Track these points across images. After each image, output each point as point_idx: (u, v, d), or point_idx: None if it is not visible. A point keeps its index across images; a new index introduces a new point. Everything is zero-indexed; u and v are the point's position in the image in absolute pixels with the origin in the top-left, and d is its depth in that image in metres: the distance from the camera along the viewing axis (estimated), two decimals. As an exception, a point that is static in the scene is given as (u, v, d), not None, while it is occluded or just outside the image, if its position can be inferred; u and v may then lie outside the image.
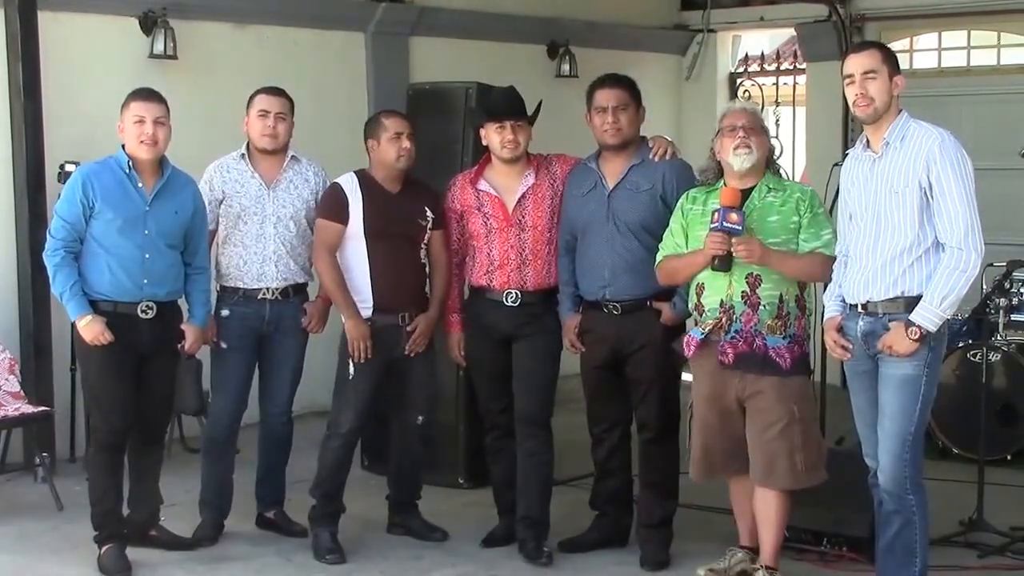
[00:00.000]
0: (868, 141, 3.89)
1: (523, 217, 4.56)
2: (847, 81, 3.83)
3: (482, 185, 4.61)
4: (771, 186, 4.13)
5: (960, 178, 3.71)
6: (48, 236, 4.41)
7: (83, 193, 4.33)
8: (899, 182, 3.77)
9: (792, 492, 4.14)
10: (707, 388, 4.17)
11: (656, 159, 4.50)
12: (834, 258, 4.02)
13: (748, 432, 4.13)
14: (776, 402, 4.05)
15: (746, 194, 4.11)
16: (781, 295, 4.07)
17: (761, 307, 4.05)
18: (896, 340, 3.75)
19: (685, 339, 4.19)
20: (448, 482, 5.45)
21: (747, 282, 4.05)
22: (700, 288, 4.16)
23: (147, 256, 4.38)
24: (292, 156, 4.82)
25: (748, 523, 4.32)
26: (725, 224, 3.97)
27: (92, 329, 4.30)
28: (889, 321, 3.79)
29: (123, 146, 4.43)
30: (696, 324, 4.22)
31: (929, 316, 3.71)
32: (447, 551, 4.76)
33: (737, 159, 4.07)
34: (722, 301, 4.09)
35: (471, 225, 4.62)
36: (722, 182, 4.17)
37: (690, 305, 4.24)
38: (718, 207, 4.03)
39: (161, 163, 4.46)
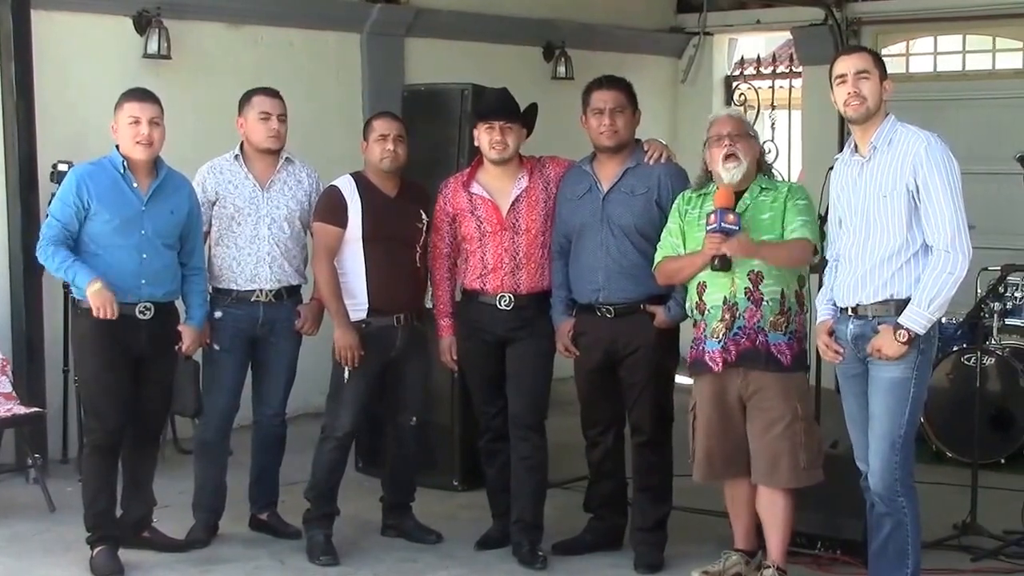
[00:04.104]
0: (856, 146, 3.89)
1: (517, 221, 4.55)
2: (838, 81, 3.84)
3: (475, 188, 4.60)
4: (763, 186, 4.14)
5: (947, 181, 3.71)
6: (40, 236, 4.40)
7: (77, 195, 4.32)
8: (887, 185, 3.77)
9: (795, 491, 4.15)
10: (709, 388, 4.17)
11: (651, 162, 4.49)
12: (813, 243, 4.04)
13: (749, 431, 4.13)
14: (779, 399, 4.06)
15: (739, 195, 4.12)
16: (783, 290, 4.08)
17: (764, 303, 4.07)
18: (885, 343, 3.75)
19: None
20: (442, 484, 5.44)
21: (750, 279, 4.07)
22: (701, 287, 4.16)
23: (144, 256, 4.37)
24: (286, 158, 4.81)
25: (743, 525, 4.32)
26: (723, 225, 3.99)
27: (102, 295, 4.21)
28: (878, 324, 3.79)
29: (117, 146, 4.42)
30: (695, 326, 4.21)
31: (917, 319, 3.72)
32: (441, 553, 4.75)
33: (727, 173, 4.10)
34: (725, 298, 4.09)
35: (464, 228, 4.61)
36: (714, 185, 4.17)
37: (689, 304, 4.24)
38: (714, 209, 4.04)
39: (156, 163, 4.45)
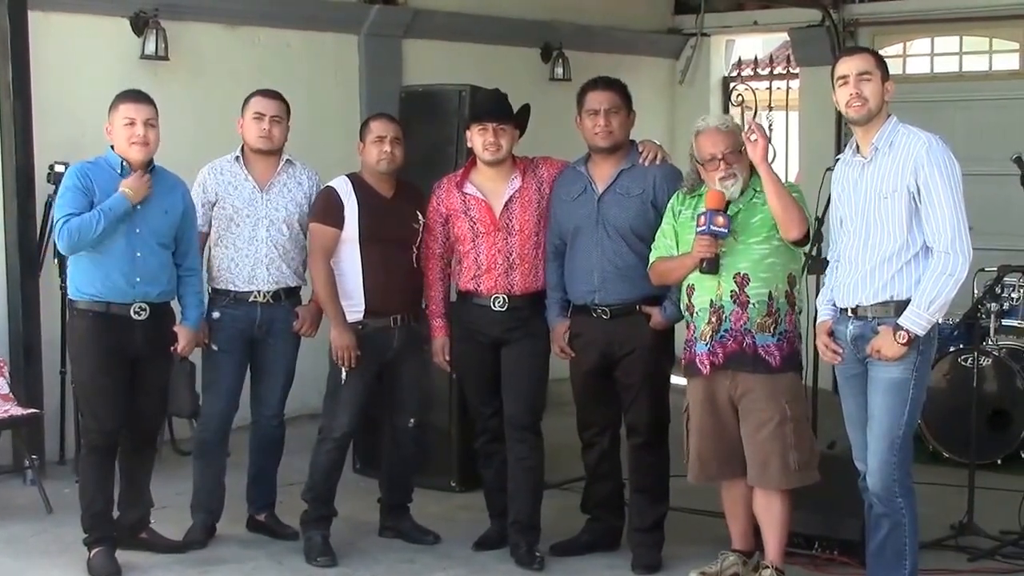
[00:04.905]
0: (858, 146, 3.90)
1: (510, 221, 4.55)
2: (840, 82, 3.84)
3: (468, 188, 4.60)
4: (757, 188, 4.14)
5: (948, 182, 3.72)
6: (57, 233, 4.35)
7: (84, 188, 4.33)
8: (887, 187, 3.78)
9: (791, 491, 4.15)
10: (701, 390, 4.19)
11: (646, 163, 4.50)
12: (808, 220, 4.05)
13: (742, 433, 4.14)
14: (767, 400, 4.07)
15: None
16: (770, 292, 4.09)
17: (750, 306, 4.07)
18: (884, 344, 3.76)
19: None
20: (440, 485, 5.44)
21: (735, 281, 4.08)
22: (691, 289, 4.18)
23: (139, 255, 4.37)
24: (287, 160, 4.81)
25: (740, 526, 4.33)
26: (712, 227, 4.02)
27: (131, 183, 4.29)
28: (878, 325, 3.80)
29: (111, 147, 4.42)
30: (688, 327, 4.23)
31: (917, 320, 3.73)
32: (439, 554, 4.75)
33: (727, 191, 4.11)
34: (711, 301, 4.11)
35: (457, 229, 4.61)
36: (706, 185, 4.18)
37: (681, 306, 4.26)
38: (704, 211, 4.05)
39: (148, 164, 4.45)
